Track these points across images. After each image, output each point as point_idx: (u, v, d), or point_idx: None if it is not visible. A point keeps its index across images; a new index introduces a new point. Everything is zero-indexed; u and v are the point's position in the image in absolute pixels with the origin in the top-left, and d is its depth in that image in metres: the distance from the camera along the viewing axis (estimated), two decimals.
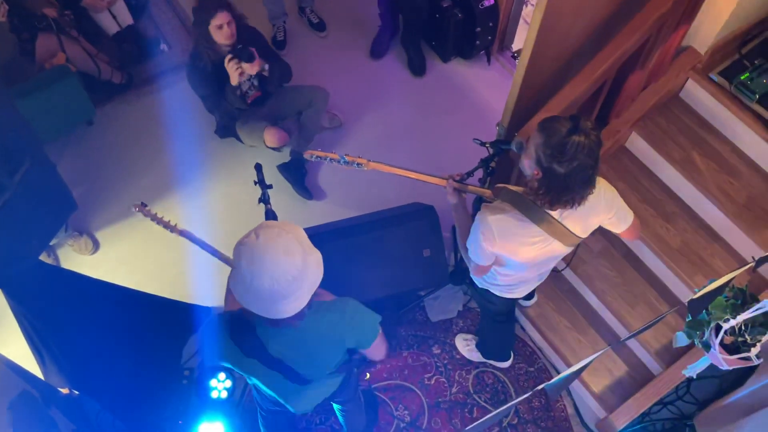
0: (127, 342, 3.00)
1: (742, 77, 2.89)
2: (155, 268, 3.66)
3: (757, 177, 2.99)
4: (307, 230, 3.47)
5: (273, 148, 3.78)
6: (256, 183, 2.87)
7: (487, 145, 2.71)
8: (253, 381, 2.15)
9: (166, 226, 2.52)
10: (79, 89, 3.70)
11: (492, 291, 2.64)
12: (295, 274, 1.69)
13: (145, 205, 2.50)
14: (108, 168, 4.00)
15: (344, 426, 2.94)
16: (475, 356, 3.41)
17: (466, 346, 3.44)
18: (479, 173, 2.80)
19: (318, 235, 3.27)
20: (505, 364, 3.39)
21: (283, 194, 3.77)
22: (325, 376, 2.23)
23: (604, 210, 2.20)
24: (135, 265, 3.68)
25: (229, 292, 2.35)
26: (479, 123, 4.08)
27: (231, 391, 3.27)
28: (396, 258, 3.21)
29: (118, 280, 3.28)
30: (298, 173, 3.88)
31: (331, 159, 2.43)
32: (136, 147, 4.06)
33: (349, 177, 3.93)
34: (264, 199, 2.85)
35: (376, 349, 2.15)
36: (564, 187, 1.96)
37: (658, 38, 2.79)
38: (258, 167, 2.88)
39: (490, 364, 3.40)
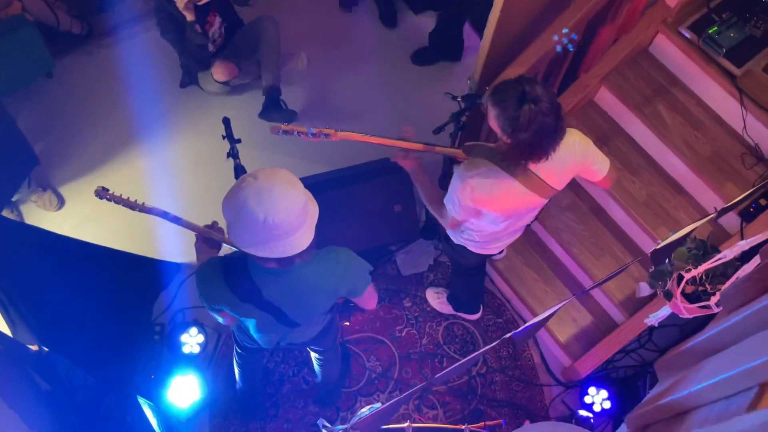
0: (96, 298, 2.98)
1: (711, 31, 2.90)
2: (123, 224, 3.60)
3: (721, 130, 3.05)
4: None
5: (223, 83, 3.72)
6: (224, 137, 2.82)
7: (458, 99, 2.70)
8: (244, 321, 2.17)
9: (132, 206, 2.44)
10: (36, 40, 3.55)
11: (468, 247, 2.67)
12: (303, 204, 1.73)
13: (107, 190, 2.43)
14: (70, 121, 3.88)
15: (318, 375, 3.00)
16: (446, 309, 3.47)
17: (437, 299, 3.49)
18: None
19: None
20: (475, 316, 3.46)
21: (253, 149, 3.72)
22: (312, 321, 2.27)
23: (579, 160, 2.23)
24: (102, 221, 3.62)
25: (202, 250, 2.33)
26: (451, 76, 4.06)
27: (203, 346, 3.30)
28: (367, 213, 3.22)
29: (84, 237, 3.24)
30: (275, 101, 3.80)
31: (298, 132, 2.39)
32: (98, 100, 3.95)
33: (321, 116, 3.88)
34: (233, 154, 2.81)
35: (368, 298, 2.19)
36: (532, 146, 1.98)
37: None
38: (226, 121, 2.83)
39: (460, 317, 3.47)
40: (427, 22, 4.27)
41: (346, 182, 3.25)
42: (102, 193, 2.43)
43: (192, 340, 3.26)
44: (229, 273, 1.93)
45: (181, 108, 3.89)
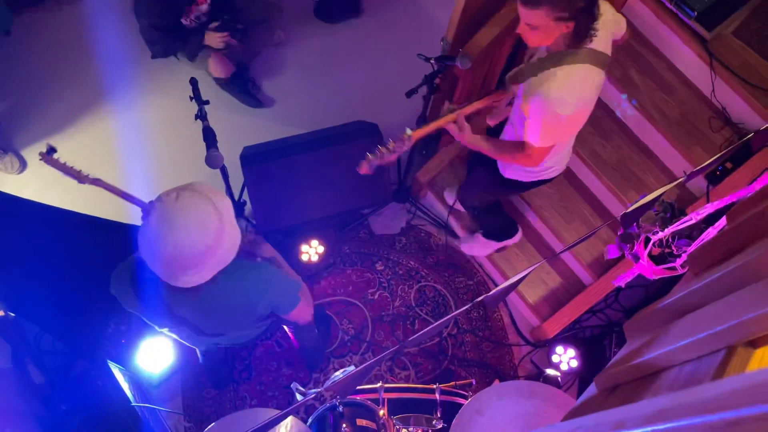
0: (63, 263, 2.92)
1: None
2: (90, 187, 3.51)
3: (690, 94, 3.08)
4: (248, 149, 3.42)
5: (216, 78, 3.63)
6: (192, 98, 2.75)
7: (431, 61, 2.67)
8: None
9: (76, 176, 2.31)
10: None
11: (521, 179, 2.60)
12: (201, 250, 1.59)
13: (53, 151, 2.29)
14: (31, 81, 3.74)
15: (294, 343, 3.00)
16: (492, 248, 3.43)
17: (473, 246, 3.46)
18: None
19: (260, 154, 3.21)
20: (519, 236, 3.41)
21: (223, 110, 3.64)
22: (241, 331, 2.20)
23: (611, 15, 2.19)
24: (66, 184, 3.50)
25: None
26: (423, 38, 4.00)
27: None
28: (339, 177, 3.19)
29: (49, 201, 3.15)
30: (242, 81, 3.74)
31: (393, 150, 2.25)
32: (59, 59, 3.80)
33: (294, 89, 3.82)
34: (201, 116, 2.74)
35: (298, 314, 2.12)
36: (590, 11, 1.95)
37: None
38: (193, 82, 2.76)
39: (432, 279, 3.50)
40: None
41: (318, 145, 3.21)
42: (45, 157, 2.25)
43: None
44: (141, 282, 1.80)
45: (148, 68, 3.77)
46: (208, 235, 1.59)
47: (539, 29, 1.99)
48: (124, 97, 3.75)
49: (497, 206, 3.19)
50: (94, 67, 3.77)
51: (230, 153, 3.07)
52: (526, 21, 1.99)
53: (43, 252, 2.82)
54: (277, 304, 2.01)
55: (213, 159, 2.66)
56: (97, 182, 2.36)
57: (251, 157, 3.16)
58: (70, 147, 3.58)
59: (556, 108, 2.06)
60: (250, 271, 1.88)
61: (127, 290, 1.86)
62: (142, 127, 3.69)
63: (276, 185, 3.13)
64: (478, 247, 3.47)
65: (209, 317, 1.93)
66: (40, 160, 2.38)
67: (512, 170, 2.61)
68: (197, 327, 1.96)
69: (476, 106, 2.38)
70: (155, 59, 3.57)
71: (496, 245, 3.42)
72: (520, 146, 2.30)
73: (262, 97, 3.79)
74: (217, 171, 2.97)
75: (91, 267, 3.16)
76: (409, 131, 2.26)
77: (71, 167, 2.30)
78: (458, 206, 3.40)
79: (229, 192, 3.23)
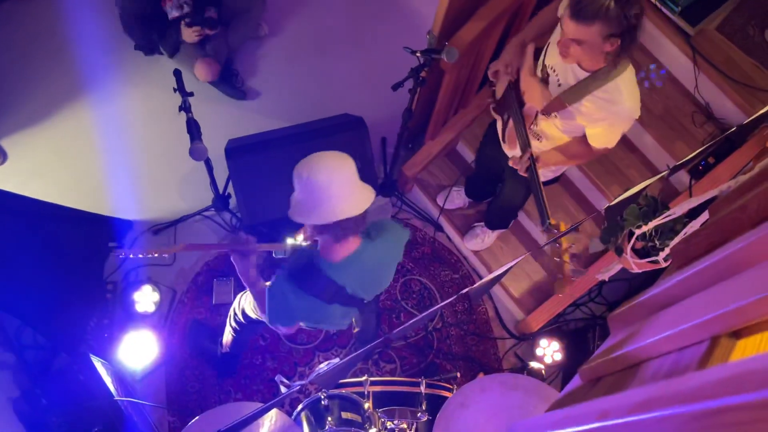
0: (44, 256, 2.89)
1: None
2: (71, 179, 3.47)
3: (673, 89, 3.10)
4: (233, 141, 3.39)
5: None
6: (176, 90, 2.72)
7: (417, 54, 2.66)
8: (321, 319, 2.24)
9: (163, 254, 2.15)
10: None
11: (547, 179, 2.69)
12: (353, 171, 1.90)
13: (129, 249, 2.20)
14: (9, 71, 3.68)
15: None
16: (493, 238, 3.43)
17: (483, 241, 3.44)
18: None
19: (244, 147, 3.19)
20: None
21: (207, 102, 3.61)
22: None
23: None
24: (48, 176, 3.48)
25: (238, 262, 2.17)
26: (409, 31, 3.99)
27: (158, 304, 3.25)
28: None
29: (30, 193, 3.11)
30: (227, 73, 3.71)
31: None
32: (39, 48, 3.74)
33: (279, 82, 3.80)
34: (184, 108, 2.72)
35: None
36: (637, 35, 1.97)
37: None
38: (177, 73, 2.73)
39: (417, 272, 3.50)
40: None
41: (303, 138, 3.19)
42: (125, 252, 2.07)
43: (146, 299, 3.20)
44: (308, 283, 1.99)
45: (131, 59, 3.72)
46: (351, 165, 1.91)
47: (584, 45, 1.99)
48: (106, 88, 3.70)
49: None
50: (75, 57, 3.71)
51: (215, 146, 3.04)
52: (574, 36, 1.98)
53: (25, 245, 2.79)
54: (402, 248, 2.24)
55: (197, 151, 2.64)
56: (187, 248, 2.20)
57: (236, 150, 3.14)
58: (51, 138, 3.53)
59: (633, 115, 2.18)
60: (383, 227, 2.14)
61: (299, 300, 2.01)
62: (125, 118, 3.64)
63: (261, 178, 3.11)
64: (487, 240, 3.44)
65: (372, 280, 2.15)
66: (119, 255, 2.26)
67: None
68: (360, 300, 2.13)
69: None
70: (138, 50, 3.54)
71: (498, 234, 3.43)
72: (588, 148, 2.33)
73: (247, 90, 3.76)
74: (201, 164, 2.95)
75: (73, 260, 3.13)
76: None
77: (155, 252, 2.08)
78: (449, 206, 3.42)
79: (214, 185, 3.20)
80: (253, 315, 2.53)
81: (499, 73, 2.43)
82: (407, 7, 4.09)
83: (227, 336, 2.91)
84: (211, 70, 3.52)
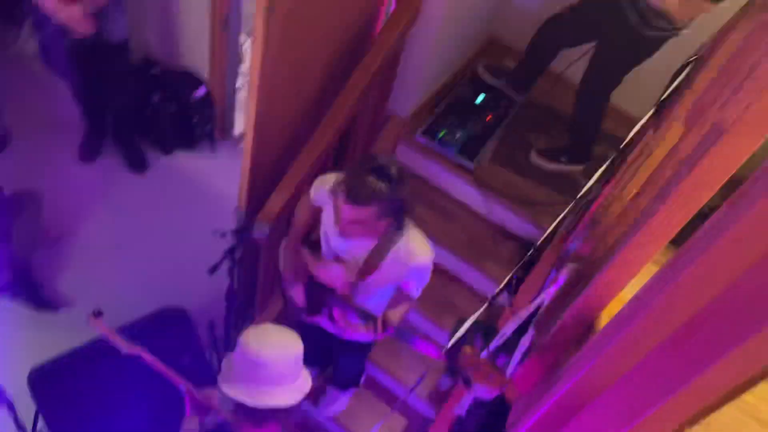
0: None
1: (441, 135, 3.28)
2: None
3: (470, 217, 3.39)
4: (38, 369, 2.98)
5: None
6: None
7: (227, 236, 2.63)
8: None
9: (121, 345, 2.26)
10: None
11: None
12: (296, 357, 1.91)
13: (101, 314, 2.20)
14: None
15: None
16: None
17: (337, 404, 3.28)
18: None
19: (53, 372, 2.81)
20: None
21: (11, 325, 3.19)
22: None
23: None
24: None
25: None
26: (216, 212, 3.96)
27: None
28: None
29: None
30: (30, 287, 3.35)
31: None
32: None
33: (84, 283, 3.50)
34: None
35: None
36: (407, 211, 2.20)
37: (365, 111, 3.04)
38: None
39: None
40: (180, 160, 4.20)
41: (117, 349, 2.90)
42: (93, 320, 2.22)
43: None
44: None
45: None
46: (295, 349, 1.90)
47: (364, 223, 2.10)
48: None
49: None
50: None
51: (14, 378, 2.66)
52: (354, 218, 2.09)
53: None
54: None
55: None
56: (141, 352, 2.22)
57: (42, 379, 2.76)
58: None
59: (432, 258, 2.33)
60: None
61: None
62: None
63: (80, 405, 2.75)
64: (340, 403, 3.30)
65: None
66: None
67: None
68: None
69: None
70: None
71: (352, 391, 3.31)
72: (407, 299, 2.42)
73: (57, 299, 3.42)
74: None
75: None
76: None
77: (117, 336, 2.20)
78: None
79: (20, 428, 2.76)
80: None
81: (288, 284, 2.49)
82: (210, 188, 4.09)
83: None
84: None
